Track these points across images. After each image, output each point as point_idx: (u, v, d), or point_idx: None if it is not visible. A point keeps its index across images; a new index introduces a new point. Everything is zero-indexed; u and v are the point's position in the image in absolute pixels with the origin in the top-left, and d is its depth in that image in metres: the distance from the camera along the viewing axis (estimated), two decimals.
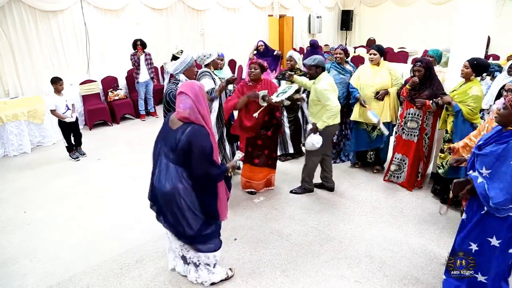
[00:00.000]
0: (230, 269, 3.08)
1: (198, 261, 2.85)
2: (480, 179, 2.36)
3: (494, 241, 2.43)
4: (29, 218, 4.04)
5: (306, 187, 4.41)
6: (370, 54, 4.57)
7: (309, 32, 13.31)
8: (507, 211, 2.31)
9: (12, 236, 3.74)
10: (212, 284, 2.92)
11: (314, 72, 3.88)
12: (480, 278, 2.58)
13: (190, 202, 2.54)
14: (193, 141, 2.40)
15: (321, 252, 3.37)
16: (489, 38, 9.12)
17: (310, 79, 3.98)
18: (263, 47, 7.42)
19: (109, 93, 7.42)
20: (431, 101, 3.99)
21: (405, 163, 4.42)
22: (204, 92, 2.60)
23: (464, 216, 2.61)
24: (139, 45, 7.05)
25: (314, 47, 8.33)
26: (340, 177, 4.86)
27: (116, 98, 7.45)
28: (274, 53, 7.35)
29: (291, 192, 4.43)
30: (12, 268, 3.26)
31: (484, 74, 5.47)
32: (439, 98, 3.92)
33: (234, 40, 10.62)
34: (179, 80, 3.54)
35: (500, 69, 6.43)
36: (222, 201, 2.72)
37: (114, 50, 7.94)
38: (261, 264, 3.22)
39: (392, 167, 4.57)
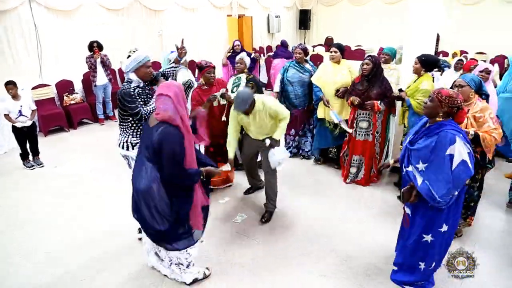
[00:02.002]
0: (207, 268, 3.08)
1: (170, 261, 2.90)
2: (420, 180, 2.44)
3: (445, 228, 2.57)
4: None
5: (274, 204, 4.01)
6: (331, 52, 4.68)
7: (268, 31, 13.41)
8: (446, 201, 2.42)
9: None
10: (191, 283, 2.93)
11: (250, 108, 3.51)
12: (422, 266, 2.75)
13: (159, 205, 2.56)
14: (164, 141, 2.43)
15: (287, 250, 3.42)
16: (438, 36, 9.62)
17: (246, 115, 3.60)
18: (239, 46, 7.36)
19: (65, 97, 7.10)
20: (379, 102, 4.14)
21: (363, 163, 4.52)
22: (183, 92, 2.59)
23: (408, 211, 2.69)
24: (95, 47, 6.80)
25: (284, 46, 8.62)
26: (303, 174, 4.96)
27: (72, 102, 7.15)
28: (251, 56, 7.39)
29: (265, 221, 3.88)
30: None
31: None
32: (402, 94, 4.06)
33: (194, 41, 10.48)
34: (131, 80, 3.17)
35: (449, 64, 6.85)
36: (196, 208, 2.73)
37: (68, 53, 7.56)
38: (229, 265, 3.22)
39: (352, 170, 4.60)
